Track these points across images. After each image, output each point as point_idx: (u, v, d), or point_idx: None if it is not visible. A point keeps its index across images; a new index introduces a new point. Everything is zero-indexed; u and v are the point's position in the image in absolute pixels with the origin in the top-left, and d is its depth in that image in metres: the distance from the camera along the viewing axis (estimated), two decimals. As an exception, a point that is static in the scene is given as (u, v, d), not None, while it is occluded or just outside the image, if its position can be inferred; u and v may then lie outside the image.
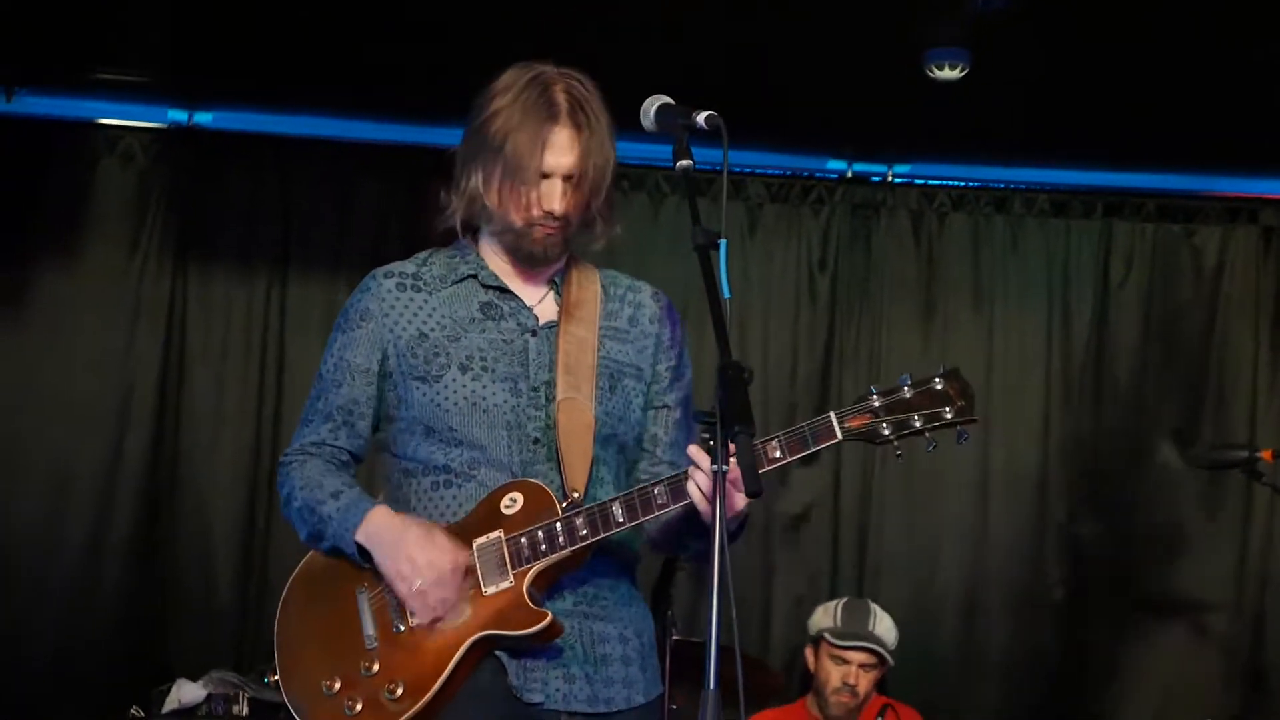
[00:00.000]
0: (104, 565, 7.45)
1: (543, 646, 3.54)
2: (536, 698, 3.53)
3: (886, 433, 3.50)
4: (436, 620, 3.50)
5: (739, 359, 3.18)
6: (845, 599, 7.06)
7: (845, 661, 6.72)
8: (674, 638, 5.87)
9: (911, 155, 8.17)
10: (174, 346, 7.60)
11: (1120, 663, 7.93)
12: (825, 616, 6.89)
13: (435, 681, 3.46)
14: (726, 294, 3.20)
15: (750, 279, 7.87)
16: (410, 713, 3.45)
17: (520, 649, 3.53)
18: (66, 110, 7.63)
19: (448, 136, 7.14)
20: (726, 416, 3.12)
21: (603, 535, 3.50)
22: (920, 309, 8.06)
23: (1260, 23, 6.44)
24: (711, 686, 3.01)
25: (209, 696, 6.36)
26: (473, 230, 3.80)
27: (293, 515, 3.67)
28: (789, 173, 8.12)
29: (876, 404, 3.51)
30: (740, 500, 3.34)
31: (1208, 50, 6.75)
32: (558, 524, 3.50)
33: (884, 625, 6.81)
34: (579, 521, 3.50)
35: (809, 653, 6.92)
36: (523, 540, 3.50)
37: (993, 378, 7.89)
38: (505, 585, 3.50)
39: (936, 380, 3.53)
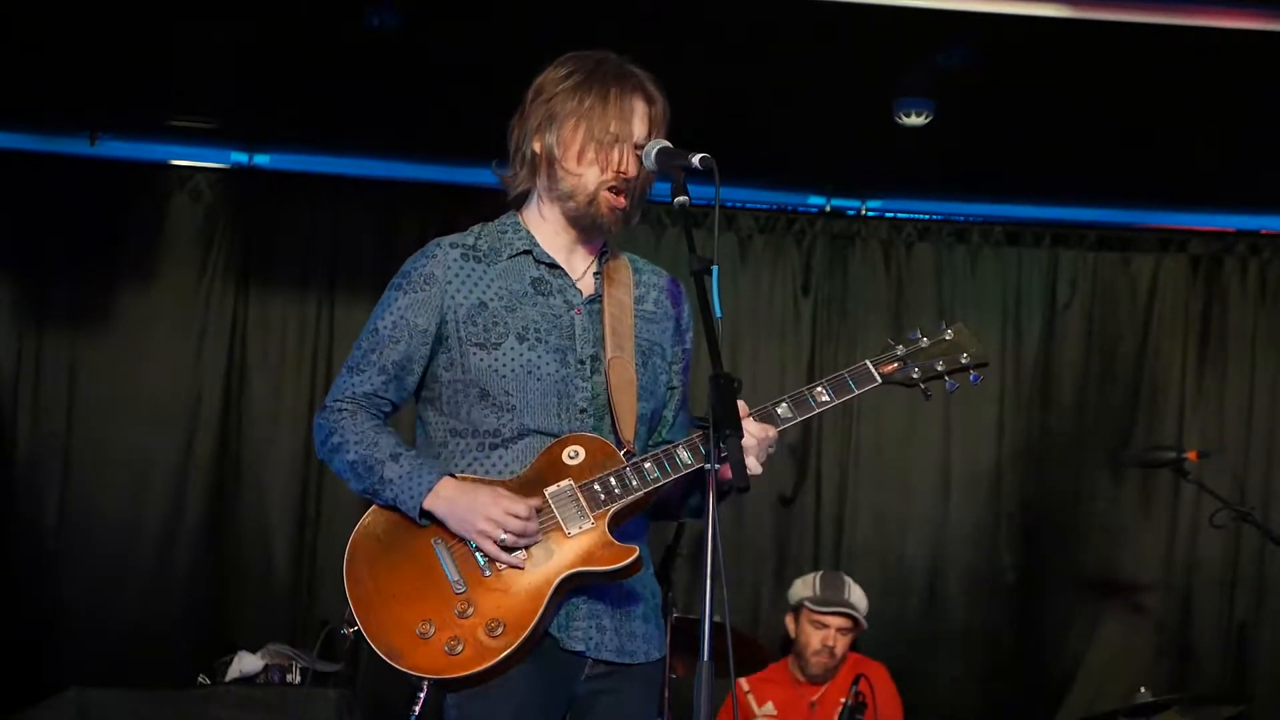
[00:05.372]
0: (176, 549, 7.46)
1: (600, 593, 3.45)
2: (578, 646, 3.44)
3: (915, 376, 3.59)
4: (524, 561, 3.36)
5: (730, 371, 3.19)
6: (822, 571, 7.05)
7: (824, 626, 6.71)
8: (674, 615, 5.85)
9: (882, 192, 8.16)
10: (236, 358, 7.60)
11: (1064, 637, 7.92)
12: (804, 587, 6.86)
13: (533, 617, 3.33)
14: (719, 314, 3.20)
15: (740, 301, 7.84)
16: (512, 647, 3.30)
17: (596, 591, 3.44)
18: (143, 153, 7.67)
19: (481, 176, 7.21)
20: (718, 421, 3.15)
21: (673, 477, 3.42)
22: (889, 327, 7.90)
23: (1186, 78, 6.47)
24: (706, 657, 3.05)
25: (266, 667, 6.30)
26: (518, 205, 3.66)
27: (343, 466, 3.48)
28: (774, 207, 8.09)
29: (900, 352, 3.59)
30: (753, 464, 3.37)
31: (1143, 100, 6.76)
32: (626, 469, 3.41)
33: (857, 594, 6.79)
34: (647, 465, 3.41)
35: (789, 620, 6.89)
36: (595, 486, 3.40)
37: (953, 387, 7.87)
38: (587, 526, 3.38)
39: (947, 331, 3.63)
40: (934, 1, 6.00)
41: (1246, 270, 8.10)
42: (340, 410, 3.52)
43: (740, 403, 3.30)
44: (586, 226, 3.57)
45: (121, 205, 7.57)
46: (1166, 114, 6.86)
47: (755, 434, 3.40)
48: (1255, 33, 6.05)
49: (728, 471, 3.20)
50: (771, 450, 3.46)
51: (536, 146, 3.55)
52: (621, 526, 3.43)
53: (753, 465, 3.35)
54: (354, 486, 3.49)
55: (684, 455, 3.41)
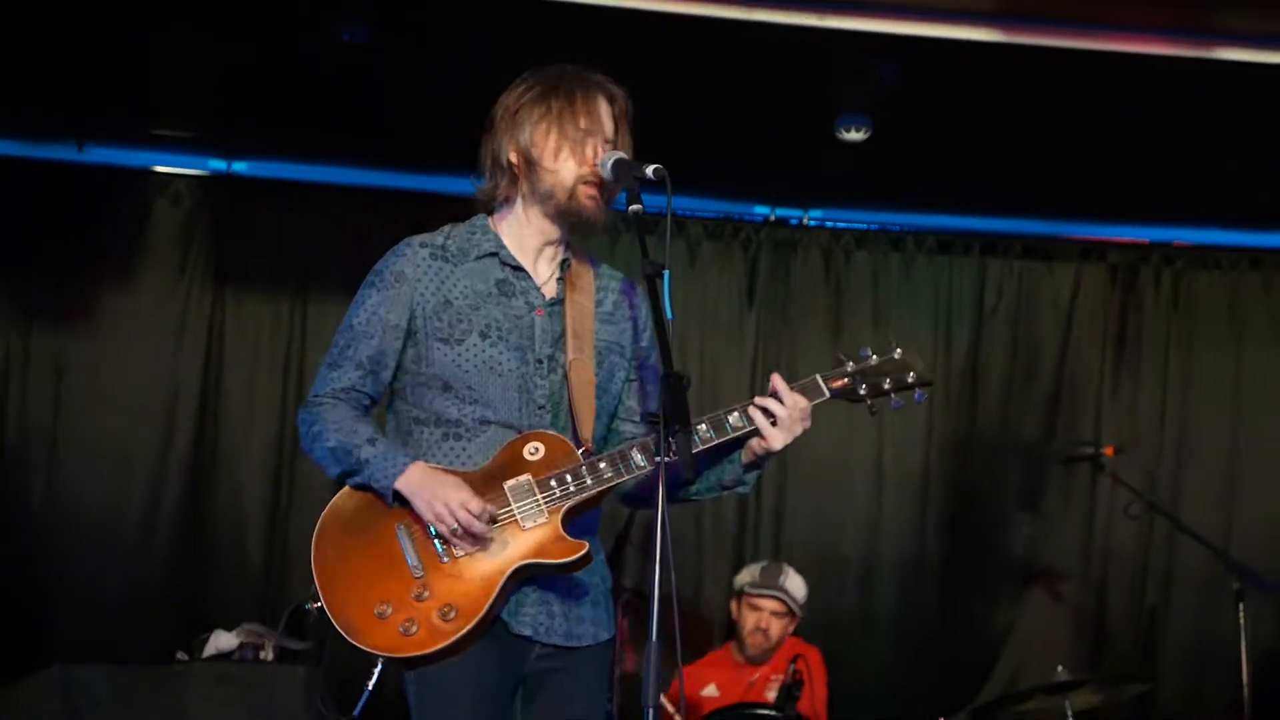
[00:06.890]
0: (156, 535, 7.51)
1: (549, 580, 3.50)
2: (525, 631, 3.50)
3: (862, 392, 3.61)
4: (478, 550, 3.42)
5: (679, 369, 3.29)
6: (765, 561, 7.18)
7: (758, 608, 6.84)
8: (625, 596, 6.02)
9: (823, 202, 8.23)
10: (213, 356, 7.65)
11: (989, 622, 8.02)
12: (746, 574, 7.03)
13: (485, 604, 3.39)
14: (670, 316, 3.30)
15: (689, 304, 7.90)
16: (464, 631, 3.37)
17: (546, 578, 3.50)
18: (126, 160, 7.72)
19: (447, 184, 7.38)
20: (669, 417, 3.26)
21: (626, 477, 3.48)
22: (829, 329, 8.09)
23: (1107, 99, 6.63)
24: (654, 638, 3.14)
25: (240, 644, 6.34)
26: (489, 211, 3.72)
27: (323, 453, 3.52)
28: (722, 216, 8.16)
29: (850, 368, 3.62)
30: (778, 439, 3.50)
31: (1068, 119, 6.89)
32: (583, 467, 3.47)
33: (794, 582, 6.92)
34: (602, 465, 3.46)
35: (733, 605, 7.03)
36: (552, 482, 3.46)
37: (886, 387, 7.90)
38: (541, 521, 3.44)
39: (895, 350, 3.64)
40: (872, 24, 6.13)
41: (1160, 279, 8.23)
42: (321, 404, 3.59)
43: (775, 375, 3.52)
44: (572, 223, 3.63)
45: (106, 209, 7.59)
46: (1089, 132, 6.97)
47: (790, 405, 3.50)
48: (1168, 58, 6.24)
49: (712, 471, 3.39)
50: (806, 424, 3.53)
51: (513, 154, 3.61)
52: (575, 521, 3.50)
53: (784, 438, 3.48)
54: (332, 472, 3.55)
55: (637, 457, 3.48)
